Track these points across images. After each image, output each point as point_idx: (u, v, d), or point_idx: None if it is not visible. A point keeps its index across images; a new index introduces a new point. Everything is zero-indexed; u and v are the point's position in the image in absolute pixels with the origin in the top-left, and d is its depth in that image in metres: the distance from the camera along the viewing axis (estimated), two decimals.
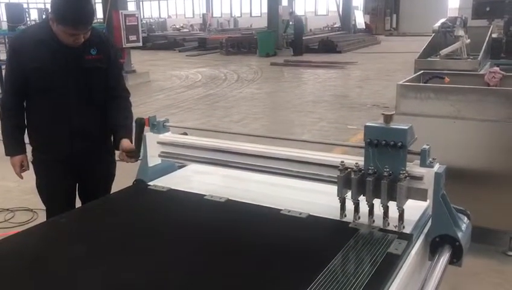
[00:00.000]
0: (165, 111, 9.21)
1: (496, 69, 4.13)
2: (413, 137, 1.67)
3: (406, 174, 1.62)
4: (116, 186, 2.65)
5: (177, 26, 33.05)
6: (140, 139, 2.31)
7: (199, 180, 2.29)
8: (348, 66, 15.52)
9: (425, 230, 1.72)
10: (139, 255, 1.60)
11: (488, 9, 7.47)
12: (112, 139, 2.74)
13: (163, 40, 24.88)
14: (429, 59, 5.65)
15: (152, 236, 1.75)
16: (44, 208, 2.82)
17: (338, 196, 1.69)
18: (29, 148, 2.74)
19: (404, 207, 1.63)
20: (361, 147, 1.72)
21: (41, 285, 1.45)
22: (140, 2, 37.80)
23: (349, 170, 1.68)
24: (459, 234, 1.64)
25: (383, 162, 1.64)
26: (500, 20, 7.18)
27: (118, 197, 2.17)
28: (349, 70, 14.82)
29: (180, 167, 2.41)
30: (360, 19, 29.20)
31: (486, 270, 3.38)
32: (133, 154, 2.46)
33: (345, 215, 1.74)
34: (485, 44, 5.79)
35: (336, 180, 1.69)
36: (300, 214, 1.82)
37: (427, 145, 1.66)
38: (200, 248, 1.64)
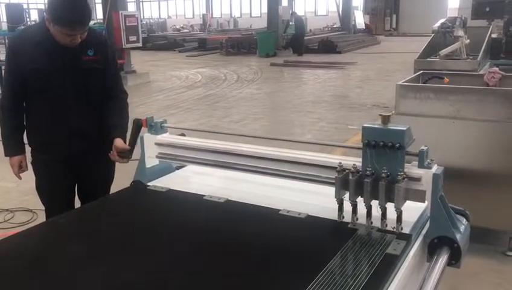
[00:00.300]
0: (165, 111, 9.21)
1: (495, 69, 4.13)
2: (411, 138, 1.67)
3: (404, 176, 1.62)
4: (114, 187, 2.65)
5: (177, 27, 33.06)
6: (135, 140, 2.32)
7: (198, 180, 2.29)
8: (348, 66, 15.52)
9: (424, 231, 1.72)
10: (139, 255, 1.60)
11: (487, 9, 7.47)
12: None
13: (163, 41, 24.87)
14: (429, 59, 5.65)
15: (152, 236, 1.75)
16: (44, 208, 2.82)
17: (336, 197, 1.69)
18: (28, 149, 2.74)
19: (402, 208, 1.63)
20: (359, 148, 1.72)
21: (41, 285, 1.45)
22: (140, 3, 37.85)
23: (347, 171, 1.68)
24: (458, 236, 1.64)
25: (381, 164, 1.64)
26: (500, 20, 7.18)
27: (117, 198, 2.18)
28: (349, 70, 14.82)
29: (178, 168, 2.41)
30: (359, 19, 29.21)
31: (486, 271, 3.38)
32: (125, 155, 2.46)
33: (343, 217, 1.74)
34: (484, 44, 5.79)
35: (333, 181, 1.69)
36: (299, 214, 1.82)
37: (425, 146, 1.66)
38: (200, 248, 1.64)
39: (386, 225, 1.67)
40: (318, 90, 11.44)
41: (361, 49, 21.41)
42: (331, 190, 1.70)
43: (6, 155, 2.71)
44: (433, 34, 6.05)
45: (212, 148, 2.11)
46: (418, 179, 1.65)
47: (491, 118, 3.38)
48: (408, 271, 1.54)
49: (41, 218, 2.96)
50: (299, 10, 28.08)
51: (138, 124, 2.25)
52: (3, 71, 2.65)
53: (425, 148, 1.65)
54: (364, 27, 28.92)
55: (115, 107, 2.69)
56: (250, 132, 7.40)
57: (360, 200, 1.68)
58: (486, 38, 6.04)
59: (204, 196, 2.03)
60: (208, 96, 10.91)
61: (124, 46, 12.26)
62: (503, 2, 7.35)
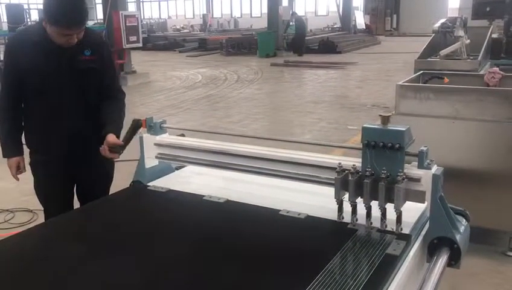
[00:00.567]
0: (165, 112, 9.22)
1: (496, 69, 4.12)
2: (411, 139, 1.67)
3: (404, 176, 1.62)
4: (114, 188, 2.64)
5: (178, 27, 33.06)
6: (130, 138, 2.31)
7: (198, 181, 2.29)
8: (348, 66, 15.52)
9: (423, 232, 1.72)
10: (139, 255, 1.61)
11: (488, 9, 7.46)
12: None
13: (163, 41, 24.87)
14: (429, 59, 5.65)
15: (152, 236, 1.75)
16: (43, 209, 2.82)
17: (335, 197, 1.69)
18: (27, 150, 2.74)
19: (402, 209, 1.63)
20: (358, 149, 1.72)
21: (42, 285, 1.45)
22: (141, 3, 37.82)
23: (346, 171, 1.68)
24: (457, 237, 1.64)
25: (380, 164, 1.64)
26: (500, 20, 7.17)
27: (117, 198, 2.18)
28: (349, 70, 14.82)
29: (178, 169, 2.41)
30: (360, 19, 29.21)
31: (486, 271, 3.38)
32: (116, 150, 2.44)
33: (343, 217, 1.74)
34: (485, 44, 5.79)
35: (333, 182, 1.69)
36: (299, 214, 1.82)
37: (425, 146, 1.66)
38: (200, 248, 1.64)
39: (386, 226, 1.67)
40: (318, 90, 11.44)
41: (362, 49, 21.41)
42: (331, 191, 1.70)
43: (4, 156, 2.71)
44: (433, 34, 6.05)
45: (212, 149, 2.11)
46: (417, 180, 1.65)
47: (491, 118, 3.38)
48: (408, 272, 1.54)
49: (42, 218, 2.96)
50: (300, 10, 28.11)
51: (137, 124, 2.25)
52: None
53: (425, 148, 1.65)
54: (364, 27, 28.93)
55: (111, 105, 2.67)
56: (251, 132, 7.41)
57: (359, 201, 1.68)
58: (487, 39, 6.04)
59: (204, 196, 2.03)
60: (208, 97, 10.92)
61: (124, 47, 12.27)
62: (504, 2, 7.34)
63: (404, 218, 1.65)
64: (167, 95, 11.23)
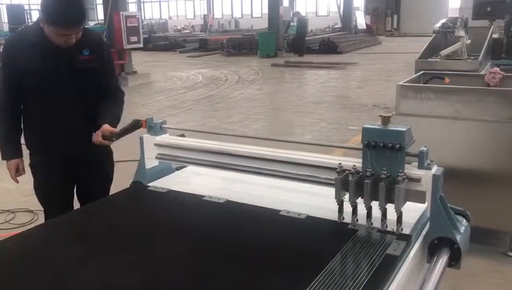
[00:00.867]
0: (166, 112, 9.22)
1: (496, 69, 4.12)
2: (411, 139, 1.67)
3: (404, 177, 1.61)
4: (114, 188, 2.65)
5: (178, 28, 33.07)
6: (126, 132, 2.32)
7: (198, 181, 2.29)
8: (349, 66, 15.52)
9: (424, 232, 1.71)
10: (139, 255, 1.60)
11: (488, 9, 7.45)
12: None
13: (164, 41, 24.89)
14: (429, 60, 5.65)
15: (152, 236, 1.75)
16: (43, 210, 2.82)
17: (336, 198, 1.69)
18: (26, 152, 2.74)
19: (402, 209, 1.63)
20: (359, 149, 1.72)
21: (42, 286, 1.45)
22: (142, 3, 37.86)
23: (347, 172, 1.68)
24: (458, 237, 1.64)
25: (381, 164, 1.64)
26: (501, 20, 7.16)
27: (117, 198, 2.17)
28: (350, 71, 14.82)
29: (178, 169, 2.41)
30: (360, 20, 29.23)
31: (487, 271, 3.38)
32: (109, 138, 2.44)
33: (343, 218, 1.73)
34: (485, 44, 5.79)
35: (334, 182, 1.69)
36: (299, 215, 1.82)
37: (425, 147, 1.66)
38: (200, 248, 1.64)
39: (386, 226, 1.67)
40: (319, 90, 11.44)
41: (362, 50, 21.41)
42: (331, 191, 1.70)
43: (3, 159, 2.71)
44: (434, 35, 6.05)
45: (212, 149, 2.11)
46: (418, 180, 1.65)
47: (491, 119, 3.38)
48: (408, 272, 1.53)
49: (42, 219, 2.97)
50: (300, 11, 28.06)
51: (137, 124, 2.25)
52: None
53: (425, 149, 1.65)
54: (365, 27, 28.93)
55: (109, 101, 2.67)
56: (251, 133, 7.40)
57: (360, 201, 1.68)
58: (488, 39, 6.04)
59: (204, 196, 2.03)
60: (209, 97, 10.92)
61: (125, 47, 12.28)
62: (505, 2, 7.33)
63: (404, 218, 1.65)
64: (168, 96, 11.24)
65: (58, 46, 2.47)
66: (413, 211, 1.75)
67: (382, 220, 1.66)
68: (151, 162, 2.27)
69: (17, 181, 2.76)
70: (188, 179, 2.34)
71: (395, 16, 31.44)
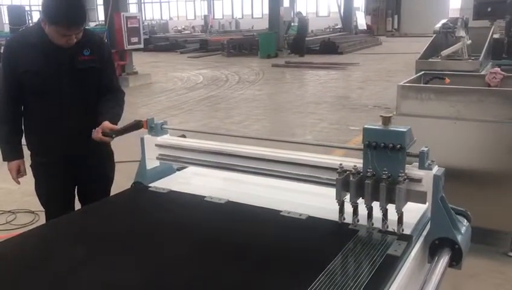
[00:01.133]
0: (167, 112, 9.23)
1: (497, 69, 4.12)
2: (412, 139, 1.67)
3: (405, 177, 1.61)
4: (115, 189, 2.65)
5: (179, 28, 33.08)
6: (126, 131, 2.33)
7: (199, 182, 2.29)
8: (350, 67, 15.52)
9: (425, 233, 1.71)
10: (139, 256, 1.60)
11: (489, 9, 7.45)
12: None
13: (164, 42, 24.89)
14: (430, 60, 5.64)
15: (153, 237, 1.75)
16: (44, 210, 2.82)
17: (337, 198, 1.69)
18: (27, 153, 2.74)
19: (403, 210, 1.63)
20: (359, 150, 1.72)
21: (42, 287, 1.45)
22: (142, 4, 37.92)
23: (347, 172, 1.68)
24: (459, 237, 1.63)
25: (381, 165, 1.64)
26: (502, 20, 7.16)
27: (118, 199, 2.17)
28: (350, 71, 14.82)
29: (179, 170, 2.41)
30: (361, 20, 29.24)
31: (487, 271, 3.38)
32: (108, 135, 2.45)
33: (344, 218, 1.73)
34: (486, 44, 5.79)
35: (334, 182, 1.69)
36: (300, 215, 1.82)
37: (426, 147, 1.66)
38: (201, 248, 1.64)
39: (387, 226, 1.66)
40: (319, 91, 11.44)
41: (363, 50, 21.41)
42: (332, 191, 1.70)
43: (4, 160, 2.71)
44: (434, 35, 6.05)
45: (213, 150, 2.11)
46: (418, 180, 1.65)
47: (492, 119, 3.38)
48: (409, 272, 1.53)
49: (43, 219, 2.97)
50: (301, 11, 28.09)
51: (138, 124, 2.26)
52: None
53: (425, 149, 1.65)
54: (365, 28, 28.92)
55: (110, 100, 2.68)
56: (252, 133, 7.41)
57: (361, 202, 1.68)
58: (488, 39, 6.03)
59: (205, 197, 2.03)
60: (210, 98, 10.92)
61: (125, 48, 12.29)
62: (505, 2, 7.33)
63: (405, 219, 1.65)
64: (168, 96, 11.25)
65: (59, 46, 2.47)
66: (414, 211, 1.75)
67: (383, 220, 1.66)
68: (152, 163, 2.27)
69: (18, 182, 2.76)
70: (189, 180, 2.34)
71: (396, 16, 31.43)
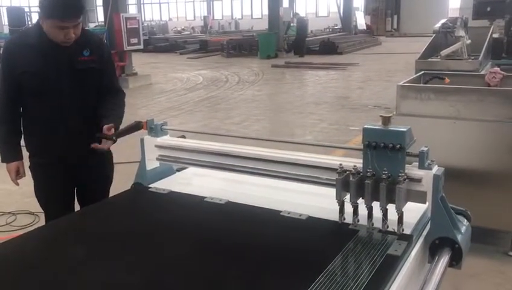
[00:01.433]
0: (167, 113, 9.22)
1: (497, 69, 4.12)
2: (412, 139, 1.67)
3: (405, 177, 1.61)
4: (115, 190, 2.64)
5: (179, 29, 33.08)
6: (125, 133, 2.33)
7: (199, 182, 2.29)
8: (349, 67, 15.52)
9: (425, 232, 1.71)
10: (140, 257, 1.60)
11: (488, 9, 7.45)
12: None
13: (164, 43, 24.90)
14: (430, 60, 5.64)
15: (153, 238, 1.75)
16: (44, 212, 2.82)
17: (337, 198, 1.69)
18: (26, 154, 2.73)
19: (403, 209, 1.63)
20: (359, 150, 1.72)
21: (42, 287, 1.45)
22: (142, 5, 37.91)
23: (347, 172, 1.68)
24: (459, 237, 1.64)
25: (381, 165, 1.64)
26: (501, 20, 7.16)
27: (118, 200, 2.17)
28: (350, 71, 14.82)
29: (179, 170, 2.41)
30: (360, 20, 29.23)
31: (488, 271, 3.38)
32: (110, 138, 2.46)
33: (344, 219, 1.74)
34: (485, 44, 5.79)
35: (334, 183, 1.69)
36: (300, 215, 1.82)
37: (426, 147, 1.66)
38: (201, 249, 1.64)
39: (387, 226, 1.67)
40: (319, 91, 11.45)
41: (363, 50, 21.42)
42: (332, 192, 1.70)
43: (3, 161, 2.70)
44: (434, 35, 6.05)
45: (213, 150, 2.11)
46: (418, 180, 1.65)
47: (492, 119, 3.38)
48: (409, 272, 1.53)
49: (43, 221, 2.97)
50: (300, 11, 28.11)
51: (138, 126, 2.26)
52: None
53: (425, 149, 1.65)
54: (365, 28, 28.93)
55: (110, 102, 2.68)
56: (252, 134, 7.41)
57: (361, 202, 1.68)
58: (488, 38, 6.03)
59: (205, 197, 2.03)
60: (209, 98, 10.92)
61: (125, 49, 12.29)
62: (504, 1, 7.33)
63: (405, 218, 1.65)
64: (168, 97, 11.25)
65: (58, 46, 2.47)
66: (414, 211, 1.75)
67: (383, 220, 1.66)
68: (152, 164, 2.27)
69: (17, 184, 2.76)
70: (189, 180, 2.34)
71: (395, 16, 31.44)
